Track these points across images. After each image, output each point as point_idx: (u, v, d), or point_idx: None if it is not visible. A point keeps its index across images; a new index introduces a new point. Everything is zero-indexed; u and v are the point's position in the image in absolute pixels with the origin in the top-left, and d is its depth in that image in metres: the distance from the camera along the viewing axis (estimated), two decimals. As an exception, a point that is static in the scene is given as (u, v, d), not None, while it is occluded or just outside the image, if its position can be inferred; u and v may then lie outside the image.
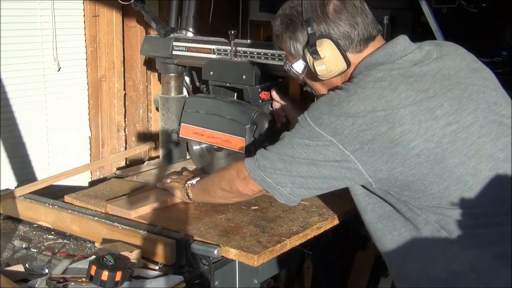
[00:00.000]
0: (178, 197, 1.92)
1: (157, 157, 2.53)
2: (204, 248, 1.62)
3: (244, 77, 2.03)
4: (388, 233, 1.54)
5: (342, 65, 1.51)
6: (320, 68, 1.51)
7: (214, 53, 2.20)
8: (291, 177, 1.52)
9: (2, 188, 2.12)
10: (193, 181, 1.87)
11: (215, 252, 1.60)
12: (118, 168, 2.56)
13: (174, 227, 1.74)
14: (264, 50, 2.05)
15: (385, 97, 1.40)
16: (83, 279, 1.49)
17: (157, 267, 1.61)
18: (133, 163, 2.61)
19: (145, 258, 1.63)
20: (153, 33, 2.49)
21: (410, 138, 1.37)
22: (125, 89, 2.66)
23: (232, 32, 2.06)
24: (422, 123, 1.39)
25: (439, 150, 1.39)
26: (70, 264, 1.59)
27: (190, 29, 2.41)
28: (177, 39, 2.32)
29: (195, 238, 1.66)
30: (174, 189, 1.94)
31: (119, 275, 1.45)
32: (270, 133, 1.96)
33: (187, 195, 1.88)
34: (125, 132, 2.69)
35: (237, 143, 2.00)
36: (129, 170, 2.38)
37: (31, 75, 2.36)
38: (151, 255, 1.64)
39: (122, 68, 2.62)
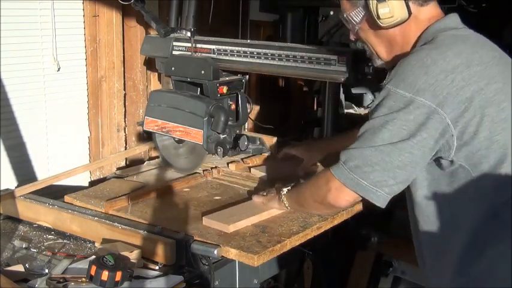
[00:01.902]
0: (276, 207, 1.83)
1: (157, 157, 2.53)
2: (204, 248, 1.62)
3: (203, 72, 2.11)
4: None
5: (404, 13, 1.46)
6: (383, 10, 1.45)
7: (214, 53, 2.21)
8: (392, 171, 1.38)
9: (2, 188, 2.12)
10: (285, 190, 1.80)
11: (215, 252, 1.60)
12: (118, 168, 2.55)
13: (174, 227, 1.74)
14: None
15: (478, 52, 1.38)
16: (83, 279, 1.49)
17: (157, 267, 1.61)
18: (133, 163, 2.60)
19: (145, 258, 1.63)
20: (153, 33, 2.49)
21: (501, 99, 1.35)
22: (125, 89, 2.66)
23: (193, 30, 2.23)
24: (509, 85, 1.38)
25: None
26: (70, 264, 1.59)
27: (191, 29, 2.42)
28: (177, 39, 2.33)
29: (195, 238, 1.66)
30: (271, 200, 1.85)
31: (119, 275, 1.45)
32: (227, 126, 2.05)
33: (284, 204, 1.80)
34: (125, 132, 2.68)
35: (196, 134, 2.05)
36: (129, 170, 2.38)
37: (31, 75, 2.36)
38: (151, 255, 1.64)
39: (122, 68, 2.62)
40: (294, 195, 1.76)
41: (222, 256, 1.63)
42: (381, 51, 1.56)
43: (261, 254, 1.58)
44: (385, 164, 1.38)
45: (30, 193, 2.03)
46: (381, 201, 1.42)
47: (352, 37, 1.62)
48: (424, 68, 1.34)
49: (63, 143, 2.49)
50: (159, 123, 2.18)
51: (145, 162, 2.53)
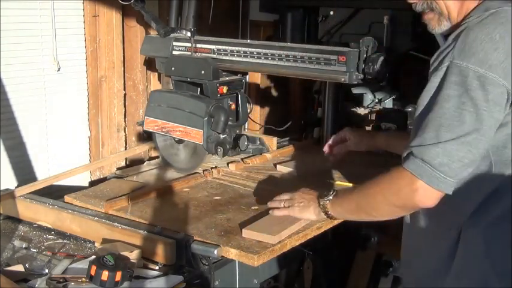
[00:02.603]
0: (312, 217, 1.71)
1: (157, 157, 2.53)
2: (204, 248, 1.62)
3: (203, 72, 2.11)
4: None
5: None
6: None
7: (214, 53, 2.21)
8: (476, 162, 1.32)
9: (2, 188, 2.12)
10: (331, 197, 1.66)
11: (215, 252, 1.60)
12: (118, 168, 2.55)
13: (174, 227, 1.74)
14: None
15: None
16: (83, 279, 1.49)
17: (157, 267, 1.61)
18: (134, 163, 2.60)
19: (145, 258, 1.63)
20: (153, 33, 2.49)
21: None
22: (125, 89, 2.66)
23: (193, 30, 2.22)
24: None
25: None
26: (70, 264, 1.59)
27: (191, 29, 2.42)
28: (177, 39, 2.33)
29: (195, 238, 1.66)
30: (304, 211, 1.71)
31: (119, 275, 1.45)
32: (226, 126, 2.04)
33: (327, 213, 1.67)
34: (125, 132, 2.68)
35: (196, 135, 2.05)
36: (129, 170, 2.38)
37: (31, 75, 2.36)
38: (151, 255, 1.64)
39: (122, 68, 2.62)
40: (349, 200, 1.62)
41: (222, 256, 1.63)
42: (454, 9, 1.42)
43: (261, 254, 1.58)
44: (473, 156, 1.30)
45: (30, 193, 2.03)
46: (451, 188, 1.35)
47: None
48: (494, 43, 1.27)
49: (63, 143, 2.49)
50: (159, 123, 2.18)
51: (145, 162, 2.53)
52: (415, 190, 1.36)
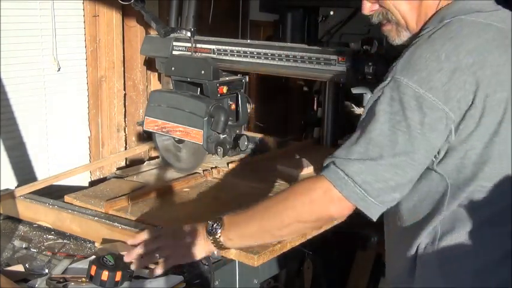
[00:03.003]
0: (198, 256, 1.47)
1: (157, 157, 2.53)
2: (204, 248, 1.62)
3: (203, 72, 2.11)
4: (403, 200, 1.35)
5: None
6: None
7: (214, 53, 2.21)
8: (403, 186, 1.24)
9: (2, 188, 2.12)
10: (218, 228, 1.44)
11: (215, 252, 1.59)
12: (118, 168, 2.55)
13: (174, 227, 1.74)
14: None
15: (491, 53, 1.21)
16: (83, 279, 1.49)
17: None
18: (134, 163, 2.61)
19: (145, 258, 1.63)
20: (153, 33, 2.49)
21: (503, 109, 1.21)
22: (125, 89, 2.66)
23: (193, 30, 2.22)
24: None
25: (509, 133, 1.23)
26: (70, 264, 1.59)
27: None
28: (177, 39, 2.33)
29: (195, 238, 1.66)
30: (189, 255, 1.47)
31: (119, 275, 1.45)
32: (226, 126, 2.04)
33: (219, 245, 1.45)
34: (125, 132, 2.69)
35: (196, 134, 2.05)
36: (129, 170, 2.38)
37: (31, 75, 2.36)
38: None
39: (122, 68, 2.62)
40: (248, 226, 1.43)
41: (222, 256, 1.62)
42: (411, 19, 1.33)
43: (261, 254, 1.57)
44: (400, 179, 1.22)
45: (30, 193, 2.03)
46: (378, 215, 1.27)
47: (369, 9, 1.37)
48: (439, 63, 1.19)
49: (63, 143, 2.49)
50: (159, 123, 2.18)
51: (145, 162, 2.53)
52: (331, 200, 1.27)
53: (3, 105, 2.26)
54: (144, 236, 1.50)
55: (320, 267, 2.28)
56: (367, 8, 1.37)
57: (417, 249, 1.35)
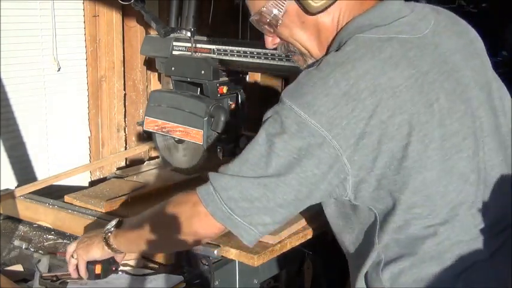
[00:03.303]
0: (95, 256, 1.45)
1: (157, 157, 2.53)
2: (204, 248, 1.62)
3: (203, 72, 2.10)
4: (347, 233, 1.33)
5: None
6: None
7: (214, 53, 2.21)
8: (272, 210, 1.18)
9: (2, 188, 2.12)
10: (111, 227, 1.44)
11: (215, 252, 1.60)
12: (118, 168, 2.56)
13: (174, 227, 1.74)
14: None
15: (387, 74, 1.13)
16: None
17: (157, 267, 1.61)
18: (134, 163, 2.61)
19: (145, 258, 1.63)
20: (153, 33, 2.49)
21: (406, 133, 1.13)
22: (124, 89, 2.66)
23: (193, 30, 2.21)
24: (420, 115, 1.13)
25: (424, 156, 1.14)
26: (52, 260, 1.60)
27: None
28: (177, 39, 2.33)
29: (195, 238, 1.66)
30: (89, 251, 1.45)
31: (99, 268, 1.46)
32: (227, 126, 2.03)
33: (109, 245, 1.43)
34: (125, 132, 2.69)
35: (196, 134, 2.05)
36: (129, 170, 2.38)
37: (31, 75, 2.36)
38: (151, 255, 1.64)
39: (122, 68, 2.62)
40: (131, 228, 1.41)
41: (222, 256, 1.63)
42: (312, 46, 1.28)
43: (261, 254, 1.58)
44: (267, 201, 1.16)
45: (30, 193, 2.03)
46: (251, 240, 1.22)
47: (271, 43, 1.34)
48: (326, 88, 1.12)
49: (63, 143, 2.49)
50: (159, 123, 2.18)
51: (145, 162, 2.53)
52: (196, 216, 1.24)
53: (3, 105, 2.26)
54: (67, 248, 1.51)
55: (320, 267, 2.28)
56: (269, 42, 1.34)
57: (366, 279, 1.29)
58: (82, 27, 2.49)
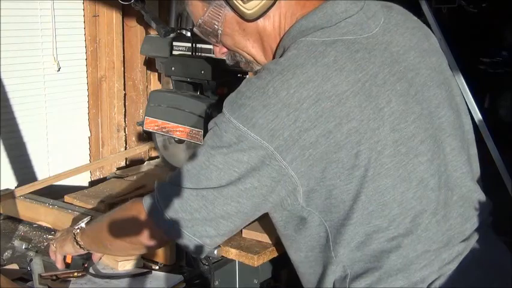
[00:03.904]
0: (69, 251, 1.48)
1: (157, 157, 2.53)
2: (204, 248, 1.62)
3: (203, 72, 2.10)
4: (293, 252, 1.29)
5: None
6: None
7: (214, 53, 2.21)
8: (214, 221, 1.14)
9: (2, 188, 2.12)
10: (83, 224, 1.45)
11: (215, 252, 1.59)
12: (118, 168, 2.56)
13: (174, 227, 1.74)
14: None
15: (330, 80, 1.07)
16: (75, 273, 1.50)
17: (157, 267, 1.61)
18: (133, 163, 2.61)
19: (145, 258, 1.63)
20: (153, 33, 2.49)
21: (355, 141, 1.08)
22: (124, 89, 2.66)
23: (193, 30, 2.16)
24: (370, 121, 1.08)
25: (377, 164, 1.09)
26: (47, 259, 1.60)
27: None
28: (177, 39, 2.33)
29: (195, 238, 1.66)
30: (63, 246, 1.49)
31: (69, 258, 1.52)
32: None
33: (77, 243, 1.43)
34: (125, 132, 2.69)
35: (196, 134, 2.05)
36: (129, 170, 2.38)
37: (31, 75, 2.36)
38: (151, 255, 1.64)
39: (122, 68, 2.63)
40: (91, 230, 1.41)
41: (222, 256, 1.63)
42: (257, 53, 1.24)
43: (261, 254, 1.58)
44: (207, 213, 1.13)
45: (30, 193, 2.03)
46: (202, 252, 1.19)
47: (219, 53, 1.30)
48: (266, 98, 1.06)
49: (63, 143, 2.49)
50: (159, 123, 2.18)
51: (145, 162, 2.53)
52: (142, 225, 1.21)
53: (3, 105, 2.26)
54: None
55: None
56: (217, 52, 1.31)
57: None
58: (82, 27, 2.49)
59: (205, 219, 1.14)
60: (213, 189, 1.12)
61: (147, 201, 1.22)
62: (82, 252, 1.47)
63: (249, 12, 1.16)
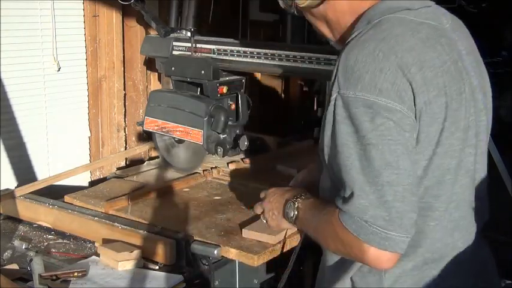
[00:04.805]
0: (287, 226, 1.50)
1: (157, 157, 2.53)
2: (204, 248, 1.62)
3: (203, 72, 2.11)
4: None
5: None
6: None
7: (214, 53, 2.21)
8: (410, 202, 1.09)
9: (2, 188, 2.12)
10: (304, 198, 1.36)
11: (215, 252, 1.60)
12: (118, 168, 2.55)
13: (174, 227, 1.74)
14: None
15: (428, 53, 1.12)
16: (75, 273, 1.50)
17: (157, 267, 1.61)
18: (133, 163, 2.61)
19: (145, 258, 1.63)
20: (153, 33, 2.49)
21: (443, 117, 1.12)
22: (124, 89, 2.66)
23: (193, 30, 2.23)
24: (453, 102, 1.13)
25: (447, 143, 1.14)
26: (48, 259, 1.60)
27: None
28: (177, 39, 2.33)
29: (195, 238, 1.66)
30: (278, 220, 1.47)
31: None
32: (226, 126, 2.04)
33: (295, 213, 1.36)
34: (125, 132, 2.69)
35: (196, 134, 2.05)
36: (129, 170, 2.38)
37: (31, 75, 2.36)
38: (151, 255, 1.64)
39: (122, 68, 2.62)
40: (312, 214, 1.32)
41: (222, 256, 1.63)
42: (325, 31, 1.31)
43: (261, 254, 1.58)
44: (402, 198, 1.08)
45: (30, 193, 2.03)
46: (404, 247, 1.10)
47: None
48: (378, 63, 1.08)
49: (63, 143, 2.49)
50: (159, 123, 2.18)
51: (145, 162, 2.53)
52: (364, 252, 1.10)
53: (3, 105, 2.26)
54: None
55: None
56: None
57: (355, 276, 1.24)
58: (82, 27, 2.49)
59: (403, 205, 1.07)
60: (386, 170, 1.07)
61: (348, 223, 1.11)
62: (289, 226, 1.46)
63: (302, 5, 1.24)
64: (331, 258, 1.30)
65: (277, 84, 3.24)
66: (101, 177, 2.56)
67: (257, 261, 1.57)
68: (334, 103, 1.13)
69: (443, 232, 1.20)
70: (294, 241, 1.69)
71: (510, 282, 2.60)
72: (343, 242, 1.14)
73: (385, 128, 1.07)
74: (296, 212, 1.36)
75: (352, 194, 1.09)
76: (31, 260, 1.57)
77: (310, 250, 2.14)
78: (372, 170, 1.07)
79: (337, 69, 1.14)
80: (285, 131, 3.09)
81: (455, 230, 1.21)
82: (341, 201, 1.12)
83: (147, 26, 2.57)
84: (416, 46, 1.11)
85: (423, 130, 1.11)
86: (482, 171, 1.27)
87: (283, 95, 3.31)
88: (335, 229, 1.15)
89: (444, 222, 1.19)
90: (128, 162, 2.68)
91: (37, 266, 1.54)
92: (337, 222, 1.13)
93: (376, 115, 1.07)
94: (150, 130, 2.24)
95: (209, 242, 1.65)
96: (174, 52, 2.32)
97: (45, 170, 2.42)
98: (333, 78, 1.16)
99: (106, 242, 1.71)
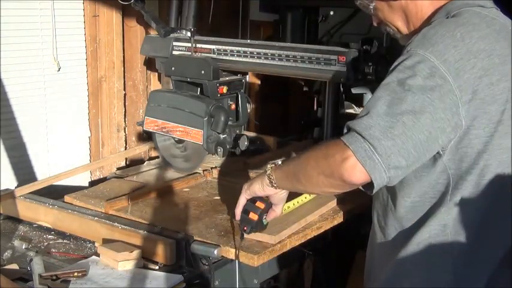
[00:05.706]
0: (256, 190, 1.53)
1: (157, 157, 2.53)
2: (204, 248, 1.62)
3: (203, 72, 2.10)
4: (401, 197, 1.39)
5: None
6: None
7: (214, 53, 2.21)
8: (408, 151, 1.21)
9: (2, 188, 2.12)
10: (279, 161, 1.50)
11: (215, 252, 1.60)
12: (118, 168, 2.56)
13: (174, 227, 1.74)
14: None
15: (499, 42, 1.29)
16: (75, 273, 1.50)
17: (157, 267, 1.61)
18: (133, 163, 2.61)
19: (145, 258, 1.63)
20: (153, 33, 2.49)
21: (505, 99, 1.27)
22: (124, 89, 2.66)
23: (193, 30, 2.23)
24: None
25: (506, 124, 1.29)
26: (48, 259, 1.60)
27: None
28: (177, 39, 2.33)
29: (195, 238, 1.66)
30: (252, 184, 1.54)
31: (254, 216, 1.56)
32: (227, 126, 2.03)
33: (270, 179, 1.48)
34: (125, 132, 2.69)
35: (196, 134, 2.05)
36: (129, 170, 2.38)
37: (31, 75, 2.36)
38: (151, 255, 1.64)
39: (122, 68, 2.62)
40: (287, 168, 1.45)
41: (222, 256, 1.63)
42: (400, 25, 1.46)
43: (261, 254, 1.58)
44: (406, 140, 1.20)
45: (30, 193, 2.03)
46: (379, 185, 1.23)
47: (374, 22, 1.55)
48: (454, 40, 1.24)
49: (63, 143, 2.49)
50: (159, 123, 2.18)
51: (145, 162, 2.53)
52: (345, 159, 1.23)
53: (3, 105, 2.26)
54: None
55: (320, 267, 2.28)
56: (374, 21, 1.55)
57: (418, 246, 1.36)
58: (82, 27, 2.49)
59: (402, 148, 1.20)
60: (409, 113, 1.20)
61: (346, 136, 1.26)
62: (270, 191, 1.51)
63: None
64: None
65: (277, 84, 3.24)
66: (101, 177, 2.56)
67: (257, 261, 1.57)
68: (402, 58, 1.27)
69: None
70: (294, 241, 1.69)
71: None
72: (327, 154, 1.28)
73: (430, 89, 1.20)
74: (271, 172, 1.48)
75: (365, 114, 1.24)
76: (31, 260, 1.57)
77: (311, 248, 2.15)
78: (397, 108, 1.21)
79: (411, 41, 1.30)
80: (285, 131, 3.09)
81: None
82: (348, 123, 1.27)
83: (147, 26, 2.57)
84: (490, 35, 1.28)
85: (481, 107, 1.25)
86: (508, 167, 1.36)
87: (283, 95, 3.31)
88: (320, 150, 1.32)
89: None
90: (127, 162, 2.68)
91: (37, 266, 1.54)
92: (326, 143, 1.32)
93: (430, 76, 1.21)
94: (150, 130, 2.24)
95: (209, 242, 1.65)
96: (174, 52, 2.32)
97: (45, 170, 2.42)
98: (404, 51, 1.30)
99: (106, 242, 1.71)
